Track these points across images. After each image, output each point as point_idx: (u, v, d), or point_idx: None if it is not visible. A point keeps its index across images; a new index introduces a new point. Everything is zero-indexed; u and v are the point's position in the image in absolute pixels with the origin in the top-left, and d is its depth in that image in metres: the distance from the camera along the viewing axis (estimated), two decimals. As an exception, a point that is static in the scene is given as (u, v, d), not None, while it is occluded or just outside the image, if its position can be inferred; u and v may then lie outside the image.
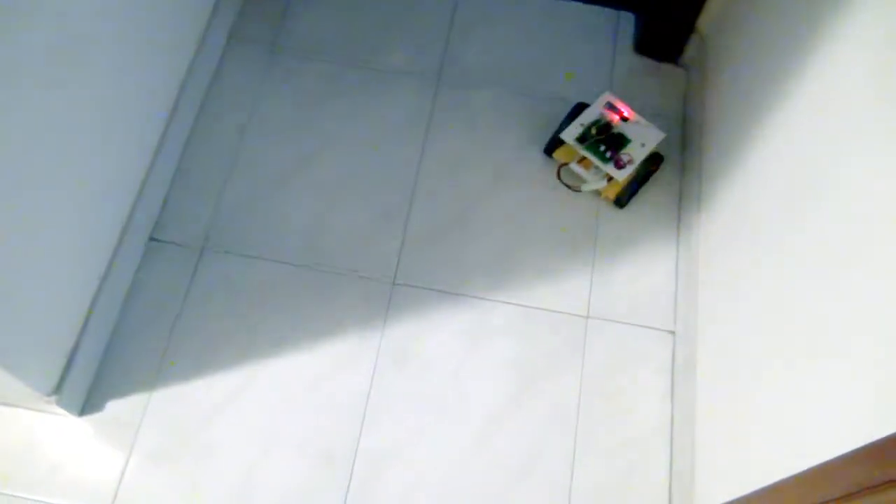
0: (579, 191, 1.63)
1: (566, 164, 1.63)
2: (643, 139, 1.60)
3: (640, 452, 1.42)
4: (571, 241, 1.60)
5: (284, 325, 1.48)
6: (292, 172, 1.63)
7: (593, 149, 1.58)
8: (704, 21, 1.71)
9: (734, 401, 1.25)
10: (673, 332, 1.52)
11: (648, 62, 1.83)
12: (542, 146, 1.67)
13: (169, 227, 1.56)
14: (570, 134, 1.59)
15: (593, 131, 1.59)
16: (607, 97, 1.63)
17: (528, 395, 1.46)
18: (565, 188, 1.64)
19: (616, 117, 1.61)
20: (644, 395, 1.47)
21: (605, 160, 1.57)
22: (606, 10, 1.88)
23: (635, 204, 1.64)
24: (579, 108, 1.64)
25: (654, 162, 1.65)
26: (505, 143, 1.69)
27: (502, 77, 1.77)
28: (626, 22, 1.87)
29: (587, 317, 1.53)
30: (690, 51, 1.77)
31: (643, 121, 1.61)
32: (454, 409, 1.44)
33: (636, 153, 1.58)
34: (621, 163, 1.57)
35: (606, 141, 1.58)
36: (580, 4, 1.88)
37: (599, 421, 1.45)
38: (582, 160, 1.61)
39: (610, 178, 1.59)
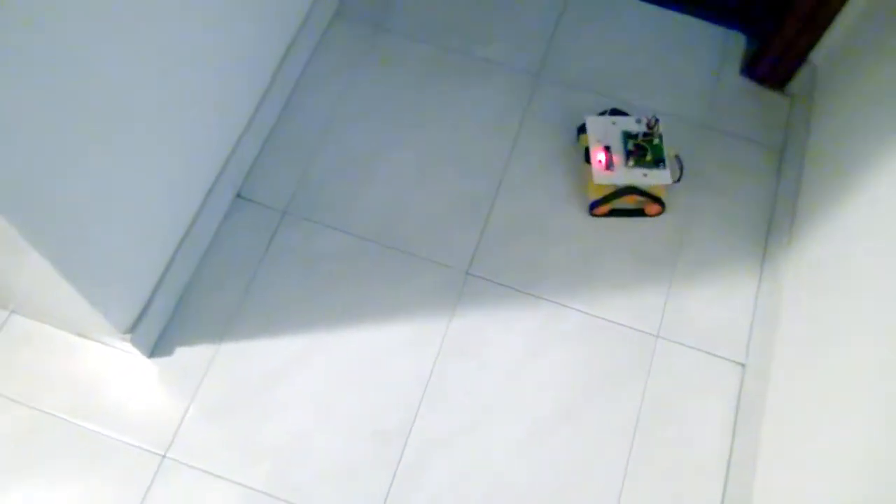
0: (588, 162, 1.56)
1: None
2: (652, 172, 1.53)
3: (694, 483, 1.40)
4: (652, 257, 1.57)
5: (354, 298, 1.49)
6: (380, 150, 1.64)
7: (624, 143, 1.54)
8: (819, 52, 1.65)
9: (801, 446, 1.21)
10: (743, 365, 1.49)
11: (753, 86, 1.78)
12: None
13: (256, 187, 1.58)
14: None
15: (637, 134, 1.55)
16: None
17: (586, 406, 1.44)
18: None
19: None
20: (705, 425, 1.44)
21: (627, 155, 1.53)
22: (717, 27, 1.83)
23: (721, 229, 1.61)
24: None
25: (650, 201, 1.56)
26: (596, 149, 1.67)
27: (602, 83, 1.74)
28: (736, 42, 1.82)
29: (657, 336, 1.51)
30: (799, 81, 1.72)
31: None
32: (510, 408, 1.43)
33: (635, 177, 1.52)
34: (612, 165, 1.51)
35: (636, 144, 1.54)
36: (691, 18, 1.84)
37: (655, 444, 1.42)
38: (607, 148, 1.55)
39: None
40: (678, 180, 1.56)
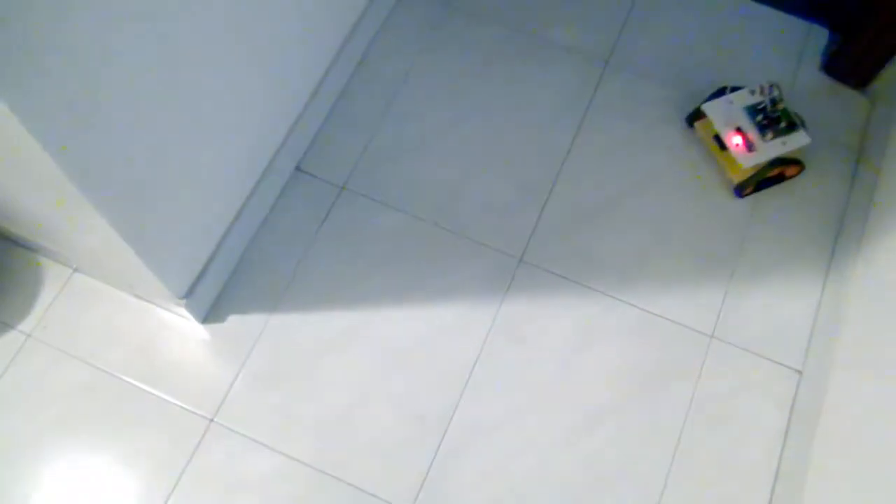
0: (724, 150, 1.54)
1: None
2: (786, 137, 1.51)
3: (739, 488, 1.36)
4: (711, 255, 1.53)
5: (406, 278, 1.49)
6: (442, 130, 1.63)
7: (752, 119, 1.51)
8: (907, 51, 1.57)
9: (854, 462, 1.17)
10: (800, 372, 1.44)
11: (833, 84, 1.70)
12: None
13: (316, 160, 1.59)
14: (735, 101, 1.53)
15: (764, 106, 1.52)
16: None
17: (633, 403, 1.42)
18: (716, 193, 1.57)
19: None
20: (755, 430, 1.40)
21: (762, 130, 1.50)
22: (800, 20, 1.76)
23: (787, 230, 1.55)
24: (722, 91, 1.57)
25: (790, 165, 1.54)
26: (663, 142, 1.63)
27: (674, 73, 1.70)
28: (817, 37, 1.75)
29: (711, 336, 1.47)
30: (882, 81, 1.64)
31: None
32: (555, 399, 1.42)
33: (772, 147, 1.50)
34: (752, 145, 1.48)
35: (766, 115, 1.51)
36: (772, 10, 1.77)
37: (702, 445, 1.39)
38: (737, 129, 1.52)
39: (736, 162, 1.52)
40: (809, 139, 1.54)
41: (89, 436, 1.37)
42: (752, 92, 1.53)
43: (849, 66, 1.66)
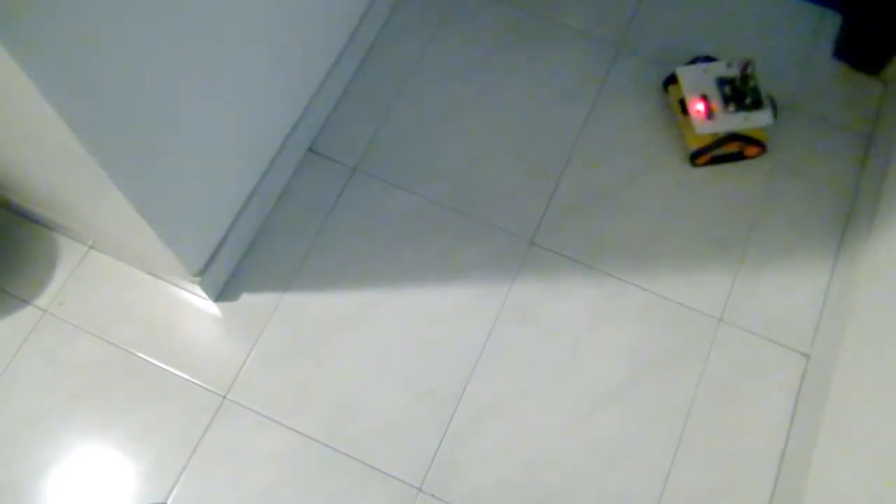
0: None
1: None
2: (752, 115, 1.51)
3: (745, 471, 1.37)
4: (720, 239, 1.54)
5: (416, 259, 1.50)
6: (454, 112, 1.63)
7: (720, 89, 1.51)
8: (921, 36, 1.57)
9: (860, 445, 1.18)
10: (807, 356, 1.45)
11: (845, 69, 1.70)
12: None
13: (328, 142, 1.60)
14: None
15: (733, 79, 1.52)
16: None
17: (641, 385, 1.43)
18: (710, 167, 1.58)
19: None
20: (762, 413, 1.41)
21: (726, 101, 1.50)
22: (813, 6, 1.75)
23: (797, 213, 1.55)
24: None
25: (750, 144, 1.54)
26: (674, 126, 1.63)
27: (686, 58, 1.69)
28: (831, 22, 1.74)
29: (720, 319, 1.48)
30: (895, 66, 1.64)
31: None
32: (564, 380, 1.43)
33: (732, 120, 1.50)
34: (712, 114, 1.49)
35: (734, 88, 1.51)
36: (785, -5, 1.77)
37: (709, 428, 1.40)
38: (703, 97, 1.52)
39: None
40: (775, 118, 1.53)
41: (103, 411, 1.39)
42: (729, 65, 1.53)
43: (862, 51, 1.66)
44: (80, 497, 1.33)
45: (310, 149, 1.59)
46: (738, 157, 1.59)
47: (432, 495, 1.35)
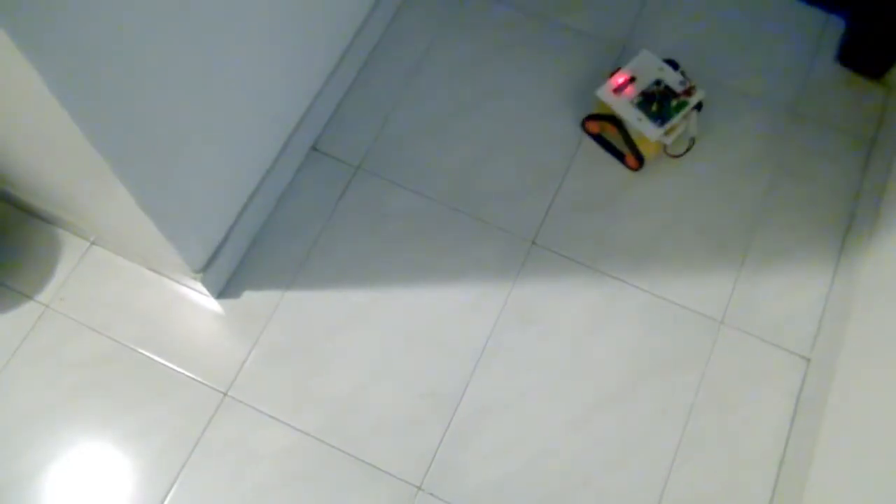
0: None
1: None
2: (645, 121, 1.50)
3: (745, 473, 1.37)
4: (723, 242, 1.54)
5: (418, 259, 1.51)
6: (457, 113, 1.64)
7: (653, 83, 1.52)
8: (924, 42, 1.57)
9: (860, 451, 1.18)
10: (808, 359, 1.45)
11: (848, 74, 1.70)
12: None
13: (331, 141, 1.60)
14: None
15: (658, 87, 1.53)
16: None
17: (642, 387, 1.43)
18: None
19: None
20: (762, 417, 1.41)
21: (644, 96, 1.51)
22: (817, 11, 1.76)
23: (799, 217, 1.56)
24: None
25: (631, 152, 1.55)
26: (676, 127, 1.63)
27: (690, 62, 1.69)
28: (834, 27, 1.75)
29: (721, 322, 1.48)
30: (898, 71, 1.64)
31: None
32: (565, 381, 1.43)
33: (630, 114, 1.50)
34: (621, 92, 1.51)
35: (657, 93, 1.52)
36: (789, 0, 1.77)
37: (709, 431, 1.40)
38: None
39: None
40: (676, 156, 1.57)
41: (104, 406, 1.39)
42: (682, 82, 1.51)
43: (865, 56, 1.66)
44: (80, 493, 1.34)
45: (313, 147, 1.59)
46: (621, 157, 1.59)
47: (432, 494, 1.35)
